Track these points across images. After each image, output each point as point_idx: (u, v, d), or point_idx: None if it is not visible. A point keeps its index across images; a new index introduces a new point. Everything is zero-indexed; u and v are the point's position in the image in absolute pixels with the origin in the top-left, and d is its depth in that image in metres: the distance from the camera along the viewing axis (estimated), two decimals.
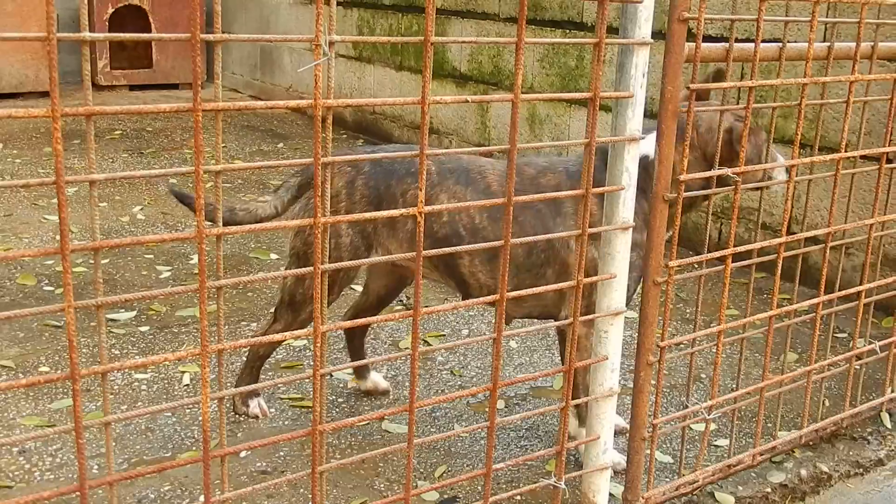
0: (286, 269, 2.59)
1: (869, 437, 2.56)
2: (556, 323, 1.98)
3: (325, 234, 1.55)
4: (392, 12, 6.79)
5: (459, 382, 2.93)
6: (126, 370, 2.91)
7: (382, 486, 2.32)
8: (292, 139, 6.99)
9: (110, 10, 8.57)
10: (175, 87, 9.07)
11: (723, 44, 2.02)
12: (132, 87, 8.93)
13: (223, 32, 1.34)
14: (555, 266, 2.35)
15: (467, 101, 1.63)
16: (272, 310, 2.65)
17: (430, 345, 3.23)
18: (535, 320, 3.21)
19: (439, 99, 1.59)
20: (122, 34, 1.28)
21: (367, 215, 1.51)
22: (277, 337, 1.56)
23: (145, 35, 1.38)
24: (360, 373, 2.87)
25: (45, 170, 5.70)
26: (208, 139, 6.80)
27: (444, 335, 3.32)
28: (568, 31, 5.19)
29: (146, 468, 1.45)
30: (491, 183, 2.39)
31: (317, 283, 1.51)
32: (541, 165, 2.41)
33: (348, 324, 1.64)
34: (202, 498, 2.23)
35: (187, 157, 6.10)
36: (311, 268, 1.50)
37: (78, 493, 1.41)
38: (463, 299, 2.52)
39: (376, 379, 2.86)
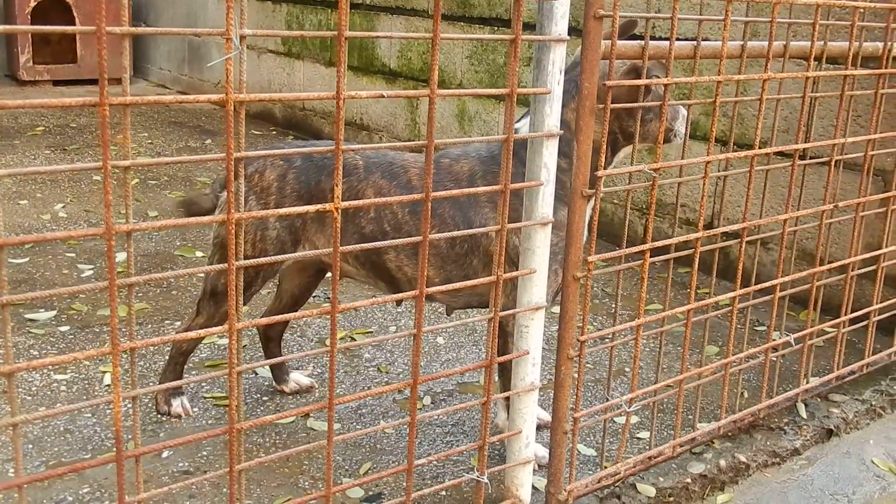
0: (210, 257, 2.57)
1: (785, 428, 2.62)
2: (482, 317, 1.98)
3: (240, 229, 1.53)
4: (321, 8, 6.75)
5: (386, 379, 2.92)
6: (44, 371, 2.84)
7: (307, 483, 2.30)
8: (220, 135, 6.90)
9: (32, 4, 8.37)
10: None
11: (638, 41, 2.05)
12: (56, 83, 8.73)
13: (148, 26, 1.32)
14: (479, 255, 2.37)
15: (382, 97, 1.63)
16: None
17: (354, 341, 3.22)
18: (467, 313, 3.24)
19: (354, 94, 1.58)
20: (34, 27, 1.26)
21: (283, 211, 1.50)
22: (192, 335, 1.54)
23: (53, 28, 1.35)
24: (279, 377, 2.84)
25: None
26: (133, 135, 6.67)
27: (372, 332, 3.31)
28: (496, 28, 5.22)
29: (57, 469, 1.42)
30: (412, 177, 2.40)
31: (231, 280, 1.49)
32: (455, 154, 2.44)
33: (266, 320, 1.62)
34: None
35: (112, 154, 5.97)
36: (228, 263, 1.48)
37: None
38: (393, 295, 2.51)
39: (297, 378, 2.84)
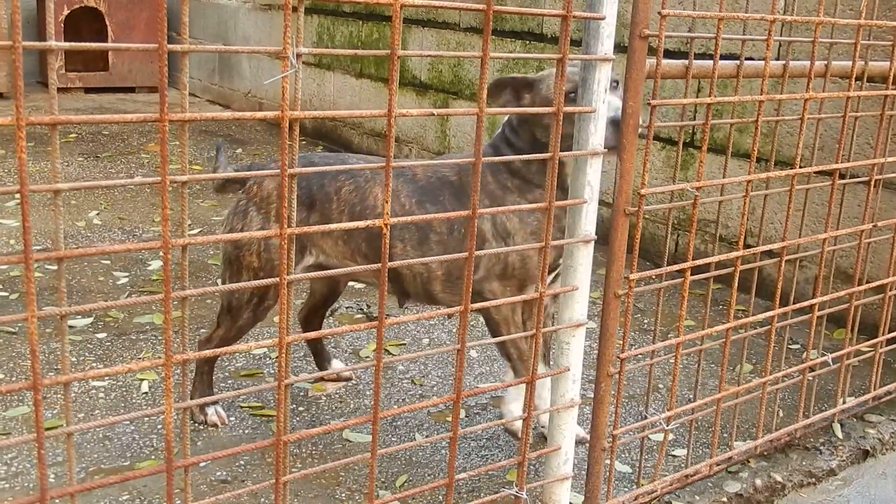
0: (221, 274, 2.63)
1: (821, 448, 2.61)
2: (524, 334, 1.99)
3: (290, 246, 1.55)
4: (352, 20, 6.79)
5: (420, 392, 2.94)
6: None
7: (343, 495, 2.32)
8: (251, 145, 6.96)
9: (66, 12, 8.47)
10: (132, 90, 8.98)
11: (682, 61, 2.05)
12: (87, 90, 8.83)
13: (182, 37, 1.34)
14: (477, 244, 2.42)
15: (433, 115, 1.64)
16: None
17: (392, 354, 3.24)
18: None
19: (405, 112, 1.60)
20: (88, 44, 1.29)
21: (338, 226, 1.51)
22: (242, 347, 1.56)
23: (112, 45, 1.37)
24: (321, 365, 2.99)
25: None
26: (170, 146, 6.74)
27: (405, 344, 3.33)
28: (528, 41, 5.24)
29: (109, 478, 1.44)
30: (416, 171, 2.50)
31: (282, 294, 1.51)
32: (447, 159, 2.59)
33: (313, 335, 1.64)
34: None
35: (144, 162, 6.04)
36: (280, 278, 1.50)
37: (38, 503, 1.40)
38: (396, 292, 2.55)
39: (337, 366, 3.00)
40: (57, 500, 2.17)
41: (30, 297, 1.33)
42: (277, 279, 1.51)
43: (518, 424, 2.42)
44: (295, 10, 1.46)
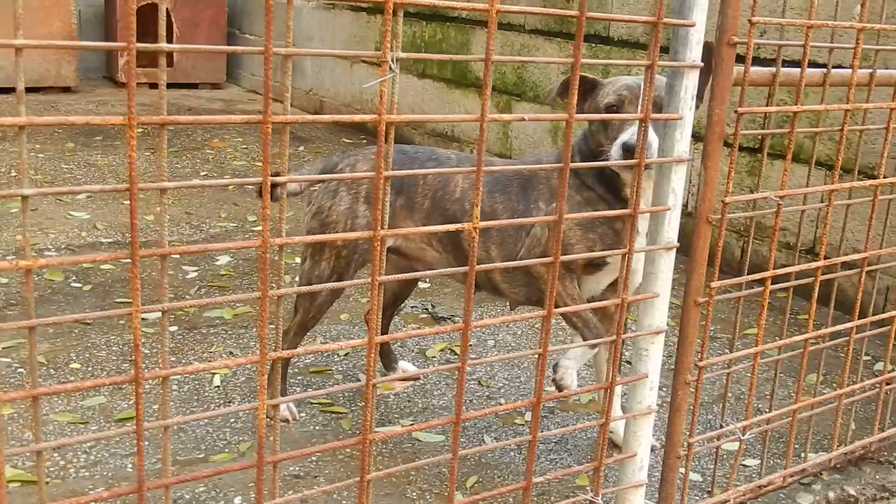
0: (303, 252, 2.68)
1: (895, 462, 2.58)
2: (602, 341, 1.99)
3: (383, 246, 1.57)
4: (415, 20, 6.82)
5: (487, 393, 2.95)
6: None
7: (414, 494, 2.34)
8: (312, 142, 7.02)
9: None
10: (195, 86, 9.11)
11: (769, 68, 2.04)
12: (151, 86, 8.97)
13: (245, 35, 1.36)
14: (527, 229, 2.49)
15: (524, 119, 1.66)
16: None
17: (456, 354, 3.25)
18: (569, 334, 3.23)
19: (497, 117, 1.61)
20: (197, 46, 1.32)
21: (426, 229, 1.53)
22: (333, 346, 1.58)
23: (219, 48, 1.40)
24: (388, 365, 3.01)
25: (69, 165, 5.73)
26: (229, 140, 6.82)
27: (471, 345, 3.34)
28: (594, 44, 5.22)
29: (203, 471, 1.47)
30: (494, 163, 2.63)
31: (374, 294, 1.53)
32: (527, 160, 2.70)
33: (402, 335, 1.66)
34: (237, 500, 2.26)
35: (209, 157, 6.13)
36: (371, 279, 1.52)
37: (135, 493, 1.43)
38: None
39: (405, 366, 3.02)
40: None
41: (135, 293, 1.36)
42: (368, 280, 1.53)
43: (567, 382, 2.42)
44: (394, 13, 1.47)
